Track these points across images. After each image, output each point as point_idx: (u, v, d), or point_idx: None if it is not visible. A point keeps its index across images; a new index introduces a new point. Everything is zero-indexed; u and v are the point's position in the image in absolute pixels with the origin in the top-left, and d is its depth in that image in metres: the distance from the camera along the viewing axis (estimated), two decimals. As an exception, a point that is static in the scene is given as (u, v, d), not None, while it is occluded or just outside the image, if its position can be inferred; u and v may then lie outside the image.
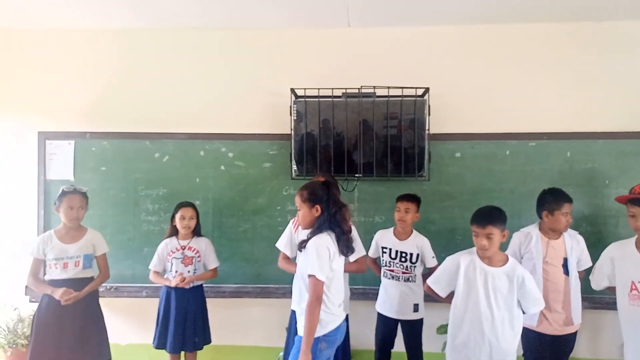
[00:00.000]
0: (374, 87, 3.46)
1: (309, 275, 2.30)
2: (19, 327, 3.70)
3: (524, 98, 3.68)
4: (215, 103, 3.83)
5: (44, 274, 3.09)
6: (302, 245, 2.43)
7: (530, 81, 3.69)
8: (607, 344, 3.61)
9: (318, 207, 2.42)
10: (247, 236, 3.75)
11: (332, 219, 2.41)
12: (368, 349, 3.49)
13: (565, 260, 2.93)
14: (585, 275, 3.03)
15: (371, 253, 3.33)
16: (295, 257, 2.99)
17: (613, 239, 3.07)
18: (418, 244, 3.19)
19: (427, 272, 3.07)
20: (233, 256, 3.74)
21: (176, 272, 3.26)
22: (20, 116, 3.89)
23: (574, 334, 2.97)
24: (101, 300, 3.22)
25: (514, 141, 3.63)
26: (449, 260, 2.67)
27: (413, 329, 3.19)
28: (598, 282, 2.94)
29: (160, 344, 3.25)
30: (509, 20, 3.66)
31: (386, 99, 3.47)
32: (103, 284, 3.27)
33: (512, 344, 2.51)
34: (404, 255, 3.18)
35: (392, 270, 3.21)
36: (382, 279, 3.28)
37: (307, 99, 3.52)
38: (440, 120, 3.55)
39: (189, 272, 3.28)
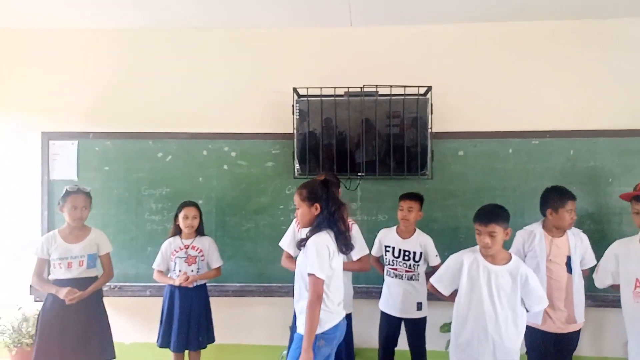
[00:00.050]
0: (377, 86, 3.47)
1: (309, 274, 2.30)
2: (24, 326, 3.72)
3: (526, 96, 3.67)
4: (217, 102, 3.84)
5: (49, 273, 3.10)
6: (301, 243, 2.43)
7: (533, 79, 3.68)
8: (611, 341, 3.61)
9: (317, 205, 2.42)
10: (250, 235, 3.76)
11: (331, 217, 2.42)
12: (372, 347, 3.49)
13: (569, 258, 2.92)
14: (589, 274, 3.03)
15: (374, 252, 3.33)
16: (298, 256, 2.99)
17: (617, 236, 3.06)
18: (421, 242, 3.19)
19: (431, 271, 3.06)
20: (236, 255, 3.74)
21: (180, 271, 3.27)
22: (24, 116, 3.91)
23: (578, 332, 2.97)
24: (105, 300, 3.23)
25: (516, 139, 3.62)
26: (452, 258, 2.67)
27: (416, 328, 3.20)
28: (602, 280, 2.94)
29: (164, 343, 3.26)
30: (511, 18, 3.65)
31: (388, 97, 3.47)
32: (107, 283, 3.28)
33: (516, 342, 2.51)
34: (407, 253, 3.18)
35: (396, 269, 3.21)
36: (386, 277, 3.28)
37: (309, 98, 3.53)
38: (443, 118, 3.55)
39: (192, 271, 3.29)
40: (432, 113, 3.49)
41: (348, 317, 2.97)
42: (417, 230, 3.25)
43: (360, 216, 3.67)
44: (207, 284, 3.42)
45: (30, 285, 3.55)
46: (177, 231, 3.36)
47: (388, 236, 3.29)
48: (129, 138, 3.80)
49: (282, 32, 3.84)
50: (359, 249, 2.97)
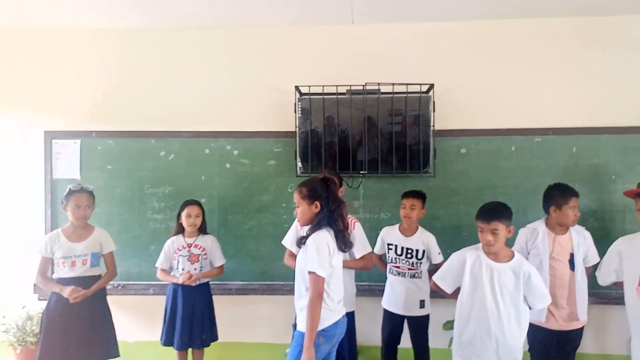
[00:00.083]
0: (379, 84, 3.46)
1: (310, 272, 2.30)
2: (28, 325, 3.73)
3: (529, 93, 3.66)
4: (219, 101, 3.84)
5: (52, 272, 3.12)
6: (301, 241, 2.44)
7: (536, 76, 3.67)
8: (614, 339, 3.60)
9: (317, 203, 2.42)
10: (253, 233, 3.77)
11: (331, 215, 2.42)
12: (374, 345, 3.49)
13: (572, 255, 2.92)
14: (592, 272, 3.02)
15: (377, 250, 3.33)
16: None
17: (620, 234, 3.05)
18: (424, 240, 3.19)
19: (433, 269, 3.06)
20: (239, 253, 3.75)
21: (183, 269, 3.28)
22: (27, 115, 3.92)
23: (581, 330, 2.97)
24: (109, 298, 3.24)
25: (519, 137, 3.61)
26: (455, 256, 2.67)
27: (419, 325, 3.20)
28: (605, 278, 2.93)
29: (167, 341, 3.28)
30: (514, 16, 3.64)
31: (391, 95, 3.47)
32: (110, 282, 3.29)
33: (519, 340, 2.51)
34: (409, 251, 3.18)
35: (398, 267, 3.21)
36: (388, 275, 3.28)
37: (311, 96, 3.53)
38: (445, 116, 3.55)
39: (195, 269, 3.29)
40: (434, 111, 3.49)
41: (351, 315, 2.99)
42: (420, 228, 3.25)
43: (362, 214, 3.67)
44: (210, 282, 3.43)
45: (34, 284, 3.58)
46: (180, 230, 3.37)
47: (391, 234, 3.29)
48: (132, 137, 3.81)
49: (283, 30, 3.83)
50: (362, 247, 2.97)
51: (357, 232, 2.99)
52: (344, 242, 2.46)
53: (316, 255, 2.30)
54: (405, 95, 3.46)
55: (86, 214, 3.10)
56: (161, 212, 3.79)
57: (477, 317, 2.51)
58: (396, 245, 3.22)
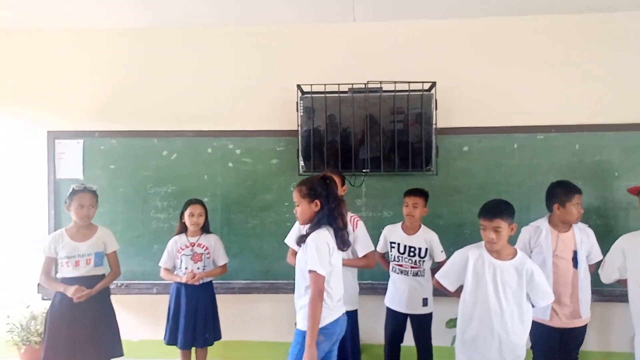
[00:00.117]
0: (381, 82, 3.46)
1: (310, 271, 2.30)
2: (32, 324, 3.74)
3: (531, 91, 3.65)
4: (222, 100, 3.84)
5: (56, 272, 3.12)
6: (301, 240, 2.44)
7: (538, 74, 3.66)
8: (618, 336, 3.60)
9: (317, 202, 2.42)
10: (256, 232, 3.77)
11: (331, 213, 2.42)
12: (377, 343, 3.50)
13: (575, 253, 2.92)
14: (595, 269, 3.02)
15: (379, 248, 3.34)
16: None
17: (623, 231, 3.06)
18: (426, 238, 3.19)
19: (436, 267, 3.06)
20: (242, 252, 3.76)
21: (186, 268, 3.29)
22: (30, 115, 3.93)
23: (584, 327, 2.97)
24: (112, 297, 3.25)
25: (522, 134, 3.61)
26: (458, 254, 2.66)
27: (422, 323, 3.20)
28: (608, 275, 2.93)
29: (171, 340, 3.28)
30: (516, 13, 3.63)
31: (393, 93, 3.47)
32: (114, 281, 3.30)
33: (522, 338, 2.51)
34: (412, 250, 3.18)
35: (401, 265, 3.21)
36: (391, 273, 3.28)
37: (313, 95, 3.53)
38: (448, 114, 3.54)
39: (198, 268, 3.30)
40: (436, 109, 3.48)
41: (354, 313, 2.99)
42: (423, 226, 3.25)
43: (365, 212, 3.68)
44: (213, 281, 3.44)
45: (38, 284, 3.58)
46: (183, 229, 3.37)
47: (393, 232, 3.29)
48: (134, 136, 3.82)
49: (285, 29, 3.83)
50: (364, 246, 2.98)
51: (360, 231, 2.99)
52: (342, 241, 2.46)
53: (316, 254, 2.30)
54: (407, 93, 3.46)
55: (89, 213, 3.11)
56: (164, 211, 3.80)
57: (480, 315, 2.51)
58: (399, 244, 3.22)
